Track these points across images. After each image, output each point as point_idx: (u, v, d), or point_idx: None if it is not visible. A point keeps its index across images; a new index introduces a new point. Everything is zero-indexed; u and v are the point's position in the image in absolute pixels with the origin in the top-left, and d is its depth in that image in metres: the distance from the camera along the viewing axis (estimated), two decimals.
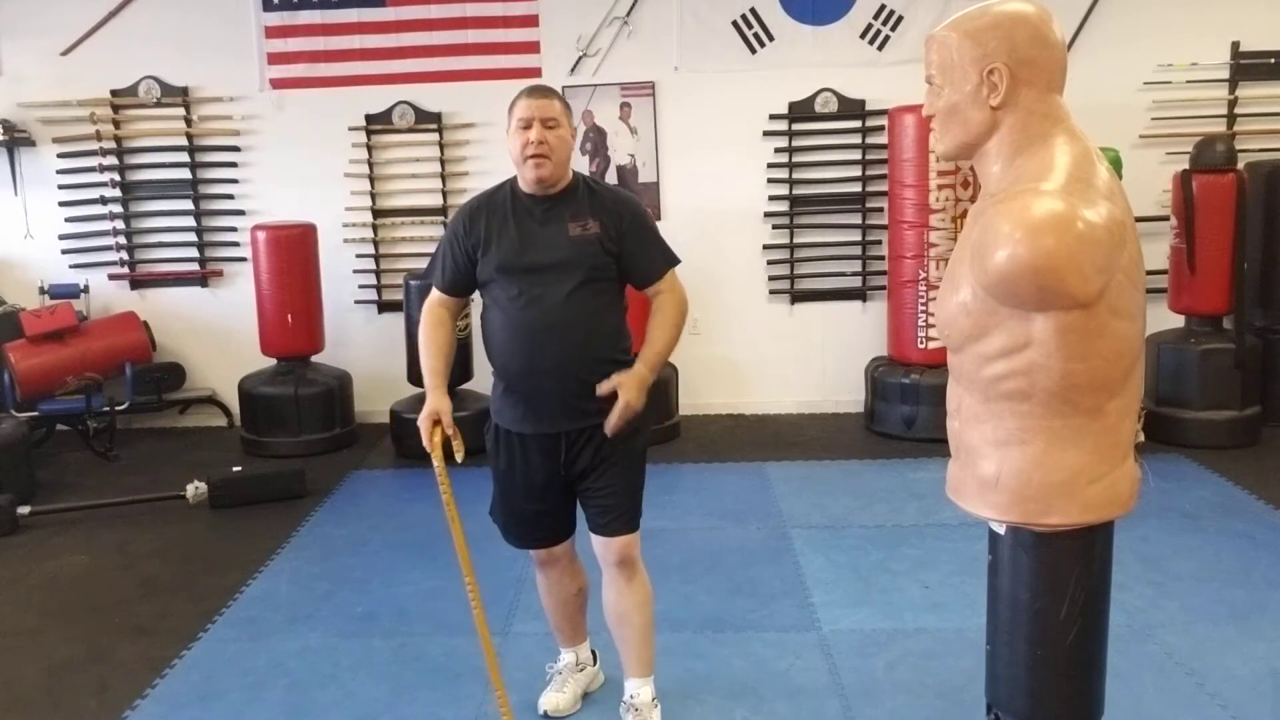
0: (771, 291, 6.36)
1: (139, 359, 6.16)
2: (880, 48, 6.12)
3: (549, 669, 3.19)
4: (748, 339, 6.38)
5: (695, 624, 3.65)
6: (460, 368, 5.39)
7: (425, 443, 2.68)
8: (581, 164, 6.23)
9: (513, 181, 2.79)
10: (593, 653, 3.22)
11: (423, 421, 2.69)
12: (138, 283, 6.53)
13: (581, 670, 3.18)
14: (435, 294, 2.90)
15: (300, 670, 3.44)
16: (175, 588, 4.16)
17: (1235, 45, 5.96)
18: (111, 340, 6.09)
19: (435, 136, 6.31)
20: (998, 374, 1.77)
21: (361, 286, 6.45)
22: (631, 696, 2.95)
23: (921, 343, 5.76)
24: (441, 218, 6.37)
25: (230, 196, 6.45)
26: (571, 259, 2.68)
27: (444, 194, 6.36)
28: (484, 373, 3.16)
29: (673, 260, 2.84)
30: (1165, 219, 5.69)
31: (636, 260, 2.78)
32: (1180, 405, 5.51)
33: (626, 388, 2.64)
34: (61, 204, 6.42)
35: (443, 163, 6.32)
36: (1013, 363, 1.74)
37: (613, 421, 2.64)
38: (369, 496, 5.26)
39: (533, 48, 6.21)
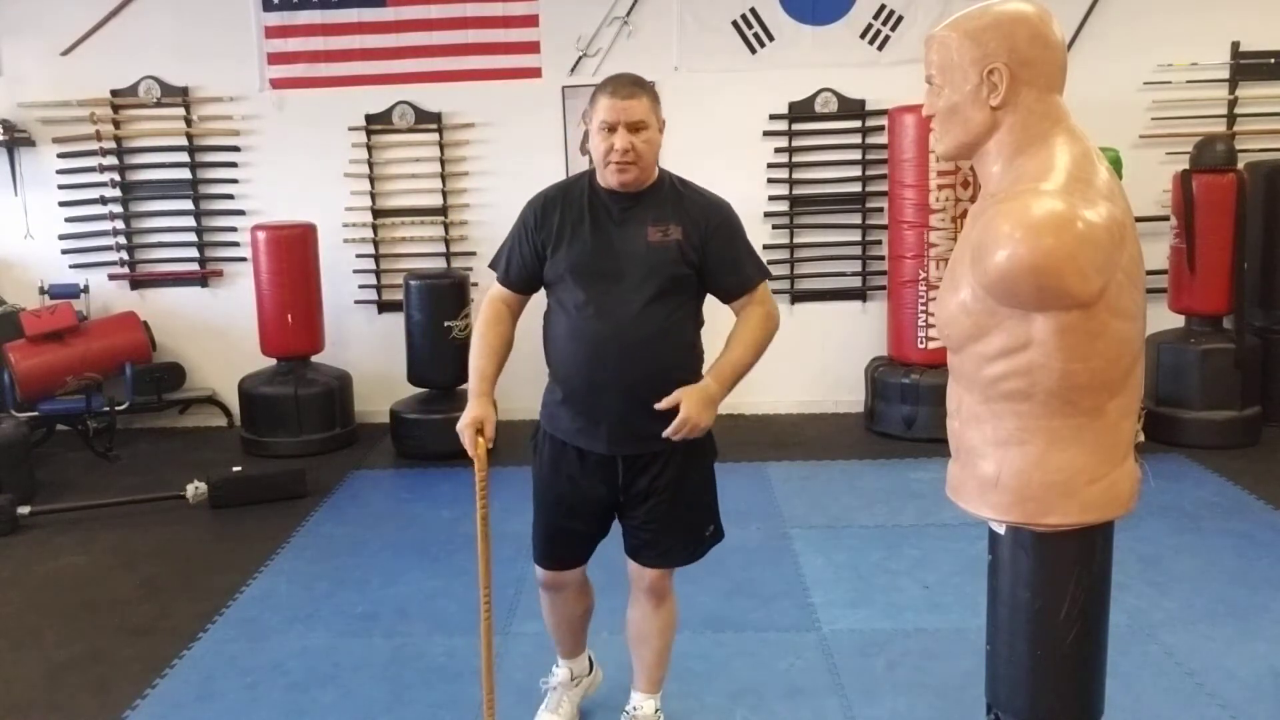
0: (772, 291, 6.34)
1: (139, 359, 6.16)
2: (880, 48, 6.12)
3: (543, 684, 3.06)
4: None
5: (695, 624, 3.65)
6: (455, 366, 5.33)
7: (469, 450, 2.50)
8: (581, 165, 6.22)
9: (591, 173, 2.57)
10: (589, 660, 3.10)
11: (464, 429, 2.50)
12: (138, 283, 6.53)
13: (577, 684, 3.05)
14: (497, 287, 2.67)
15: (300, 670, 3.44)
16: (175, 588, 4.15)
17: (1235, 45, 5.96)
18: (111, 340, 6.09)
19: (435, 136, 6.30)
20: (998, 374, 1.77)
21: (361, 286, 6.45)
22: (635, 708, 2.88)
23: (921, 343, 5.76)
24: (442, 218, 6.37)
25: (230, 196, 6.45)
26: (648, 267, 2.47)
27: (444, 194, 6.36)
28: (531, 373, 2.96)
29: (765, 272, 2.64)
30: (1165, 219, 5.69)
31: (723, 270, 2.55)
32: (1180, 405, 5.51)
33: (690, 401, 2.43)
34: (61, 204, 6.42)
35: (443, 163, 6.32)
36: (1013, 363, 1.74)
37: (669, 432, 2.44)
38: (369, 496, 5.26)
39: (533, 48, 6.20)
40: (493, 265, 2.69)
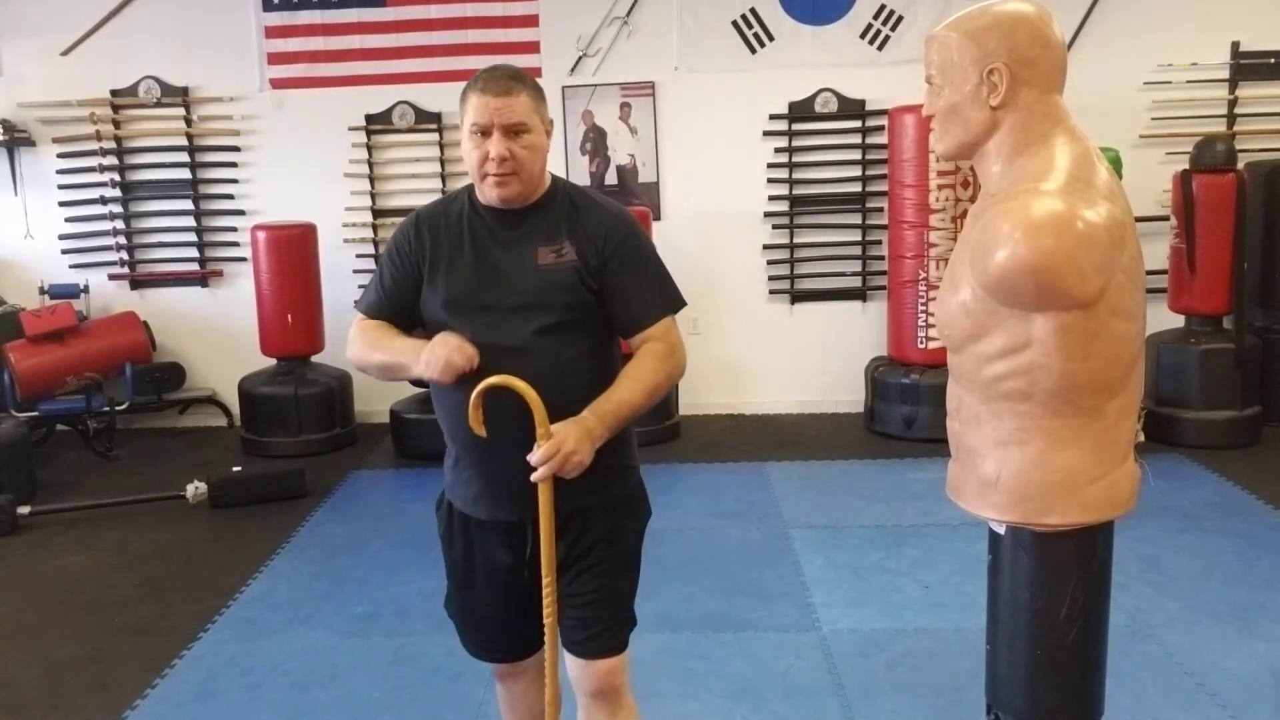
0: (771, 291, 6.36)
1: (139, 359, 6.16)
2: (880, 48, 6.12)
3: None
4: (747, 339, 6.38)
5: (695, 624, 3.65)
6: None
7: (461, 363, 1.99)
8: (581, 164, 6.23)
9: (470, 190, 2.17)
10: None
11: (454, 352, 1.99)
12: (138, 283, 6.53)
13: None
14: (358, 319, 2.22)
15: (300, 670, 3.44)
16: (175, 588, 4.16)
17: (1235, 45, 5.96)
18: (111, 340, 6.09)
19: (435, 136, 6.30)
20: (998, 374, 1.77)
21: (361, 286, 6.40)
22: None
23: (921, 343, 5.76)
24: None
25: (230, 196, 6.45)
26: (538, 295, 2.04)
27: (444, 194, 6.34)
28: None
29: (673, 303, 2.16)
30: (1165, 219, 5.69)
31: (621, 297, 2.10)
32: (1180, 405, 5.51)
33: (565, 429, 1.97)
34: (61, 204, 6.42)
35: (443, 163, 6.32)
36: (1013, 363, 1.74)
37: (536, 460, 1.96)
38: (369, 496, 5.26)
39: (533, 48, 6.20)
40: (358, 302, 2.26)
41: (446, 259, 2.12)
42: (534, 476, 1.97)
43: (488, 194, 2.09)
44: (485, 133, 2.03)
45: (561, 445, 1.95)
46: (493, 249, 2.10)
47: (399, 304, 2.17)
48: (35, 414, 5.83)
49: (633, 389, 2.07)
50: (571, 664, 2.19)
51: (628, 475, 2.24)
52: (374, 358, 2.14)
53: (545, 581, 2.06)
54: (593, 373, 2.09)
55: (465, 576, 2.27)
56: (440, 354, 1.99)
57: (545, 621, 2.08)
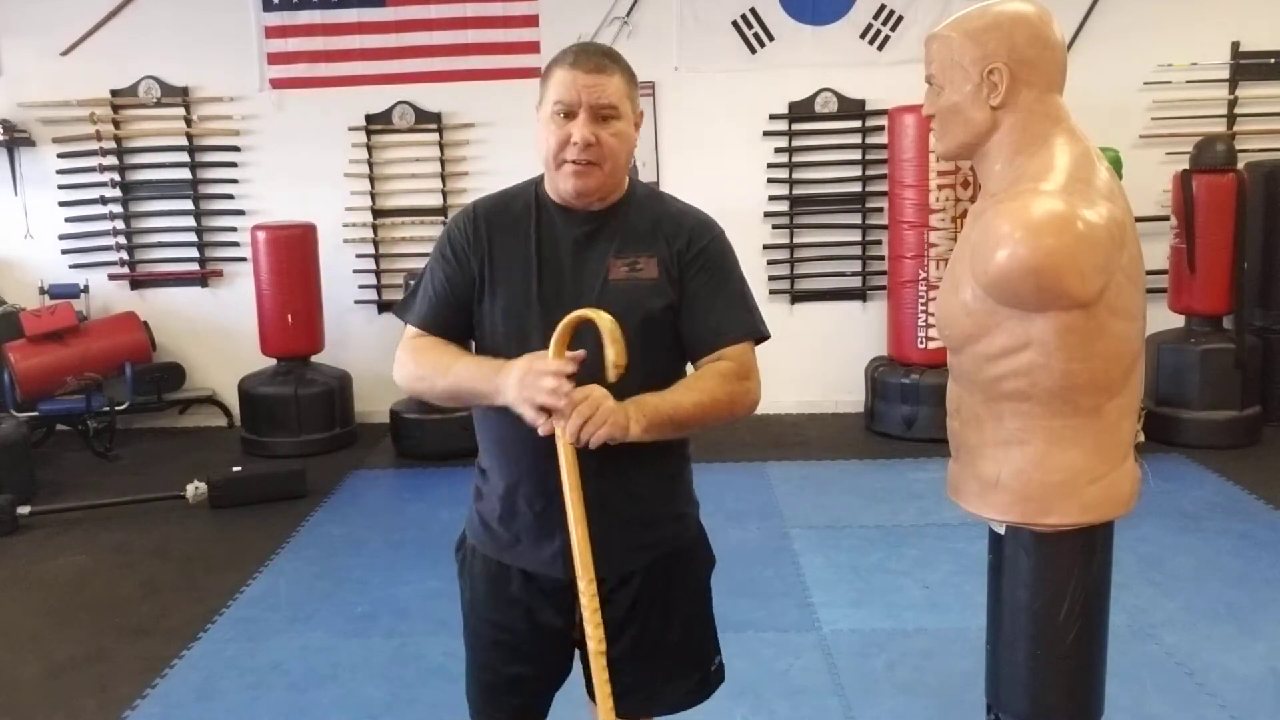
0: (771, 291, 6.36)
1: (139, 359, 6.15)
2: (880, 48, 6.12)
3: None
4: None
5: None
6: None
7: (552, 400, 1.63)
8: None
9: (538, 184, 1.88)
10: None
11: (527, 373, 1.66)
12: (138, 283, 6.53)
13: None
14: (409, 334, 1.90)
15: (300, 670, 3.44)
16: (175, 588, 4.15)
17: (1235, 45, 5.95)
18: (111, 340, 6.09)
19: (435, 136, 6.30)
20: (998, 374, 1.77)
21: (361, 286, 6.45)
22: None
23: (921, 343, 5.76)
24: (441, 218, 6.36)
25: (230, 196, 6.45)
26: (610, 312, 1.68)
27: (444, 194, 6.35)
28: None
29: (754, 327, 1.85)
30: (1165, 219, 5.68)
31: (696, 310, 1.82)
32: (1180, 405, 5.51)
33: (601, 393, 1.66)
34: (61, 204, 6.42)
35: (443, 163, 6.32)
36: (1013, 363, 1.74)
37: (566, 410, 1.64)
38: (369, 496, 5.26)
39: (533, 48, 6.20)
40: (399, 311, 1.94)
41: (509, 261, 1.82)
42: (546, 427, 1.65)
43: (562, 186, 1.79)
44: (570, 114, 1.75)
45: (592, 397, 1.64)
46: (561, 254, 1.82)
47: (455, 313, 1.86)
48: (35, 414, 5.83)
49: (684, 394, 1.76)
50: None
51: (685, 524, 1.96)
52: (439, 383, 1.81)
53: (587, 607, 1.70)
54: None
55: (486, 633, 1.94)
56: (531, 368, 1.66)
57: (597, 680, 1.73)
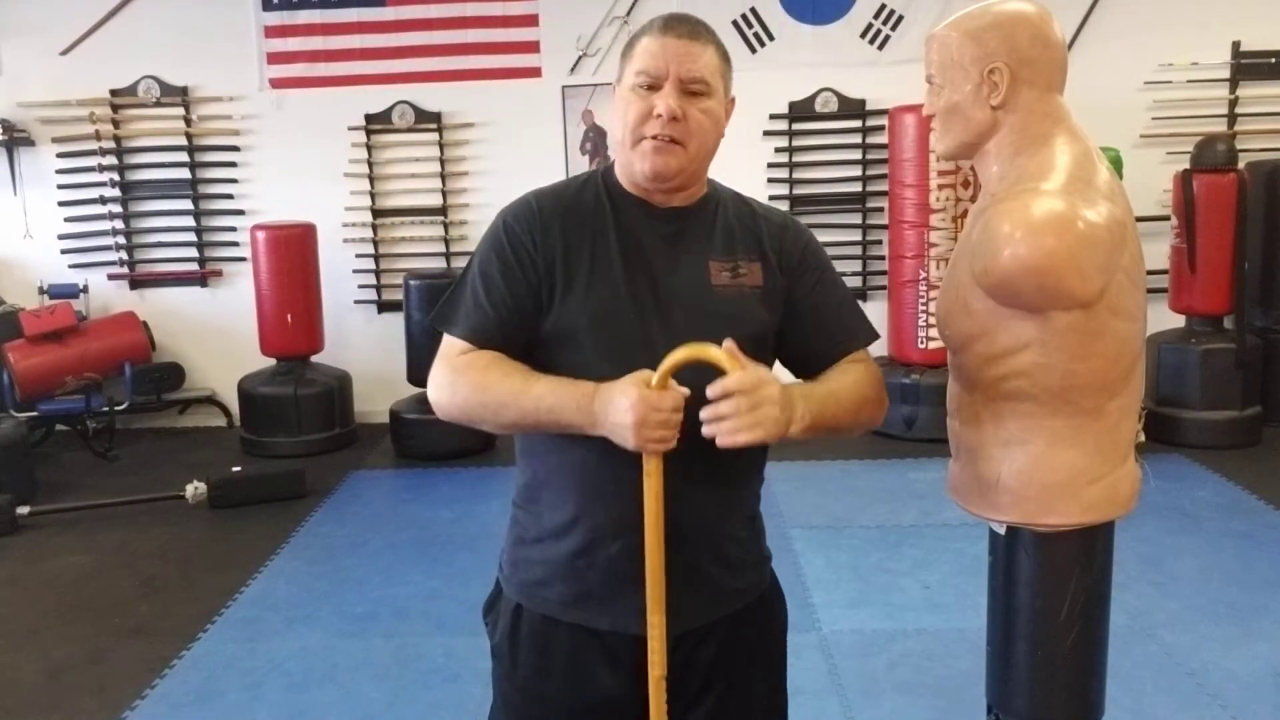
0: None
1: (138, 359, 6.16)
2: (880, 47, 6.12)
3: None
4: None
5: None
6: None
7: (661, 443, 1.44)
8: (581, 164, 6.22)
9: (604, 175, 1.67)
10: None
11: (637, 406, 1.41)
12: (137, 283, 6.53)
13: None
14: (459, 349, 1.57)
15: (300, 670, 3.44)
16: (175, 588, 4.15)
17: (1236, 45, 5.95)
18: (111, 340, 6.09)
19: (435, 136, 6.30)
20: (998, 374, 1.76)
21: (361, 286, 6.45)
22: None
23: (921, 343, 5.76)
24: (441, 218, 6.37)
25: (230, 196, 6.45)
26: (713, 325, 1.48)
27: (444, 194, 6.36)
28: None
29: (872, 332, 1.72)
30: (1166, 219, 5.68)
31: (814, 319, 1.64)
32: (1180, 405, 5.51)
33: (754, 373, 1.44)
34: (61, 204, 6.42)
35: (442, 162, 6.32)
36: (1013, 363, 1.74)
37: (714, 390, 1.42)
38: (369, 496, 5.26)
39: (533, 47, 6.20)
40: (440, 322, 1.61)
41: (587, 263, 1.56)
42: (704, 414, 1.42)
43: (639, 165, 1.56)
44: (655, 85, 1.53)
45: (758, 383, 1.41)
46: (649, 254, 1.58)
47: (515, 324, 1.56)
48: (35, 414, 5.83)
49: (845, 390, 1.58)
50: None
51: (764, 569, 1.74)
52: (507, 411, 1.51)
53: (652, 662, 1.50)
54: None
55: (537, 705, 1.64)
56: (640, 414, 1.41)
57: None
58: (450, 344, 1.58)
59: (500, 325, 1.56)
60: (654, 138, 1.53)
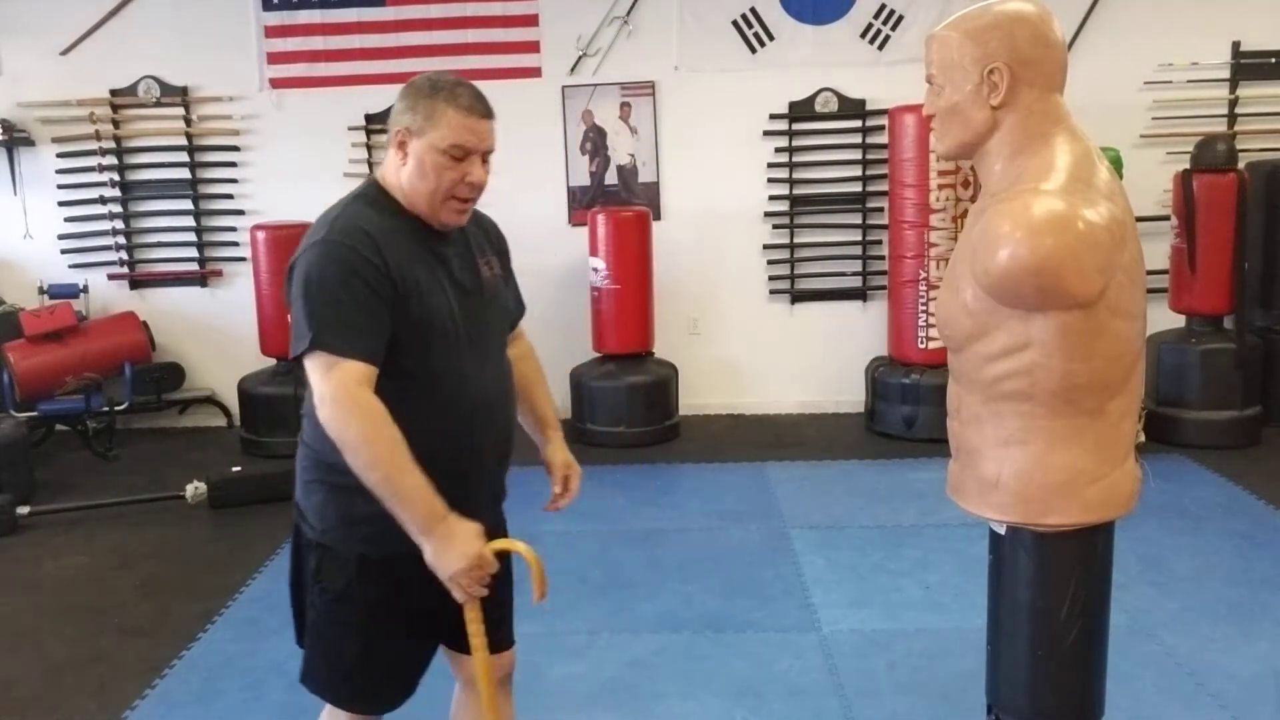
0: (772, 291, 6.36)
1: (138, 359, 6.15)
2: (880, 47, 6.12)
3: None
4: (748, 339, 6.37)
5: (695, 624, 3.65)
6: None
7: (469, 593, 1.91)
8: (581, 164, 6.24)
9: (370, 198, 1.99)
10: None
11: (472, 568, 1.85)
12: (137, 283, 6.53)
13: None
14: (355, 371, 1.86)
15: (299, 670, 3.43)
16: (175, 588, 4.15)
17: (1236, 45, 5.95)
18: (111, 340, 6.08)
19: None
20: (998, 374, 1.77)
21: None
22: None
23: (921, 343, 5.76)
24: None
25: (230, 196, 6.45)
26: (495, 306, 2.11)
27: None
28: None
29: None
30: (1165, 219, 5.68)
31: (514, 291, 2.25)
32: (1180, 405, 5.51)
33: (575, 465, 2.21)
34: (61, 204, 6.42)
35: None
36: (1013, 363, 1.74)
37: (563, 506, 2.20)
38: None
39: (533, 48, 6.20)
40: (325, 343, 1.92)
41: (418, 275, 1.93)
42: (558, 507, 2.19)
43: (444, 217, 1.96)
44: (460, 157, 1.92)
45: (577, 478, 2.19)
46: (446, 265, 2.00)
47: (386, 334, 1.91)
48: (35, 414, 5.82)
49: (549, 397, 2.30)
50: (482, 663, 2.03)
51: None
52: (372, 473, 1.86)
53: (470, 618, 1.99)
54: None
55: (386, 624, 2.11)
56: (467, 552, 1.84)
57: (474, 643, 2.00)
58: (348, 366, 1.87)
59: (380, 343, 1.89)
60: (463, 200, 1.97)
